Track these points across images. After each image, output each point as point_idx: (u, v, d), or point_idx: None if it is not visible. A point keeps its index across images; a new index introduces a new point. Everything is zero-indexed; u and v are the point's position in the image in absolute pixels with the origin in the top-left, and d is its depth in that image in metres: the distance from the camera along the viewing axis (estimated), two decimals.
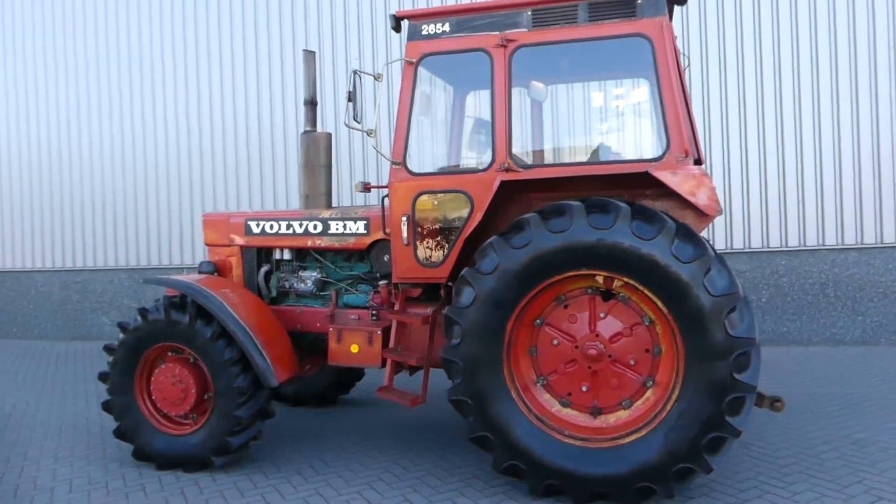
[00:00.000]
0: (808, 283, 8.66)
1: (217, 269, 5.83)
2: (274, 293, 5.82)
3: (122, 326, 5.22)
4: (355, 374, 6.94)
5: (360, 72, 4.69)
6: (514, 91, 4.86)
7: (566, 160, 6.42)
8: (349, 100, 4.66)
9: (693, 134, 4.51)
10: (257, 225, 5.75)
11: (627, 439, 4.21)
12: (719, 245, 8.83)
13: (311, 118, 5.77)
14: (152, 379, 5.15)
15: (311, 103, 5.78)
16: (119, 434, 5.26)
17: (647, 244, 4.02)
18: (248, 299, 5.32)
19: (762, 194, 8.77)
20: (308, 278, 5.67)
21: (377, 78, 4.85)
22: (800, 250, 8.67)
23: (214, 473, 5.05)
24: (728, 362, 3.94)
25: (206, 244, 5.94)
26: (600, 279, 4.29)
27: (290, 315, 5.65)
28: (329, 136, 5.73)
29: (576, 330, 4.46)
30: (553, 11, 4.63)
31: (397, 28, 5.03)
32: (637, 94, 6.17)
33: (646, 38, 4.44)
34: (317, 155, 5.71)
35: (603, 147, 5.61)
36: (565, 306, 4.49)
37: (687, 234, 4.08)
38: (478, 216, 4.63)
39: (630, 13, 4.50)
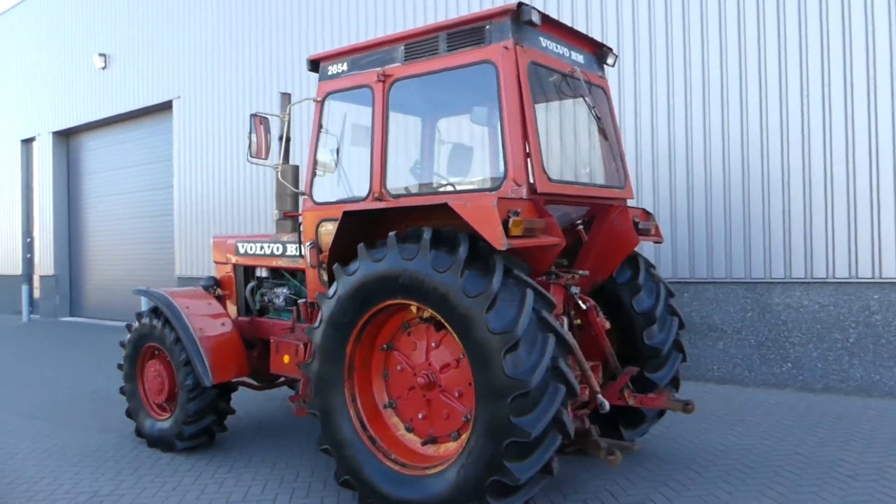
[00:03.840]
0: None
1: (217, 284, 6.84)
2: (258, 306, 6.66)
3: (129, 327, 6.48)
4: None
5: (259, 114, 5.28)
6: (456, 120, 5.03)
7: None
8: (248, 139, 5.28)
9: (533, 163, 4.27)
10: (243, 246, 6.63)
11: (434, 470, 4.19)
12: (797, 274, 7.56)
13: (285, 152, 6.48)
14: (144, 371, 6.33)
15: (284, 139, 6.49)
16: (128, 414, 6.53)
17: (440, 276, 4.00)
18: (211, 312, 6.19)
19: (850, 214, 7.32)
20: (280, 294, 6.39)
21: (282, 117, 5.39)
22: None
23: (176, 455, 6.01)
24: (505, 404, 3.75)
25: (214, 262, 7.00)
26: (414, 309, 4.32)
27: (266, 326, 6.42)
28: (296, 167, 6.39)
29: (415, 357, 4.55)
30: (420, 44, 4.78)
31: (314, 69, 5.52)
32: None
33: (491, 63, 4.39)
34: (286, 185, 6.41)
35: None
36: (409, 333, 4.59)
37: (480, 266, 3.96)
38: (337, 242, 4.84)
39: (479, 40, 4.48)
